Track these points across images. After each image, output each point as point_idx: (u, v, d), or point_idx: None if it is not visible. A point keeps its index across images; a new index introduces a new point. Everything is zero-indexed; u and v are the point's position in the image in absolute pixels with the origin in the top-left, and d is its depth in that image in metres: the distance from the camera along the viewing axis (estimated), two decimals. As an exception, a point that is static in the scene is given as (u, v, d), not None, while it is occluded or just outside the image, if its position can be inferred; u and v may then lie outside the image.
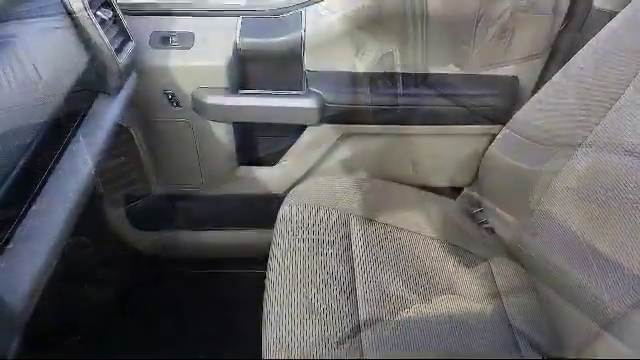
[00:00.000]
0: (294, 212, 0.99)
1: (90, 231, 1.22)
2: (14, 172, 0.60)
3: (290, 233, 0.95)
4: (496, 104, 1.05)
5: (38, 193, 0.65)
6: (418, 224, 1.04)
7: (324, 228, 0.97)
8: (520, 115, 0.94)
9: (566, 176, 0.83)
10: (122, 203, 1.27)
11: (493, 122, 1.05)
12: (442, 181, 1.20)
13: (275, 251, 0.92)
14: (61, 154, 0.73)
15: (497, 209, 1.05)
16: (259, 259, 0.99)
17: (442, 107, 1.04)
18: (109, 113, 0.85)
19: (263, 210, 1.15)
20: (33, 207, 0.63)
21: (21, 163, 0.62)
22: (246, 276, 1.32)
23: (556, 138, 0.86)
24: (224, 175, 1.21)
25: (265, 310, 0.82)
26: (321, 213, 0.99)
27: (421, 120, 1.06)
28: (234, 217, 1.30)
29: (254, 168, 1.21)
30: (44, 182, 0.66)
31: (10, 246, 0.56)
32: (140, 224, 1.30)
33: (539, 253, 0.87)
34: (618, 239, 0.70)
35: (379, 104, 1.04)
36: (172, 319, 1.28)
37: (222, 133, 1.12)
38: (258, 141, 1.19)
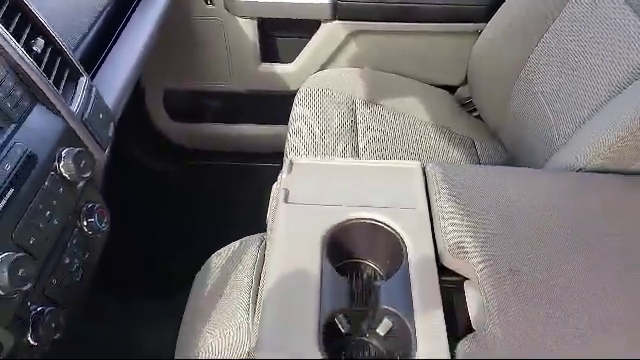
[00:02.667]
0: (308, 93, 1.18)
1: (133, 120, 1.43)
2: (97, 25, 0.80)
3: (304, 116, 1.14)
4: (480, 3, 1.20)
5: (114, 43, 0.84)
6: (416, 109, 1.22)
7: (333, 108, 1.16)
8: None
9: (539, 56, 1.00)
10: (161, 96, 1.47)
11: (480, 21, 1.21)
12: (440, 79, 1.37)
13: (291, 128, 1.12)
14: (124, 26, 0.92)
15: (484, 103, 1.22)
16: (276, 153, 1.18)
17: (433, 5, 1.20)
18: (154, 9, 1.02)
19: (281, 107, 1.34)
20: (110, 54, 0.83)
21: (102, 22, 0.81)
22: (264, 169, 1.52)
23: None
24: (249, 71, 1.39)
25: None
26: (331, 95, 1.18)
27: (420, 17, 1.22)
28: (256, 113, 1.50)
29: (274, 65, 1.39)
30: (117, 37, 0.86)
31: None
32: (175, 116, 1.51)
33: (515, 135, 1.05)
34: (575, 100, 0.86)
35: (386, 1, 1.20)
36: (194, 205, 1.48)
37: (249, 32, 1.30)
38: (278, 39, 1.37)
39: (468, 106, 1.33)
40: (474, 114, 1.30)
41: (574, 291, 0.57)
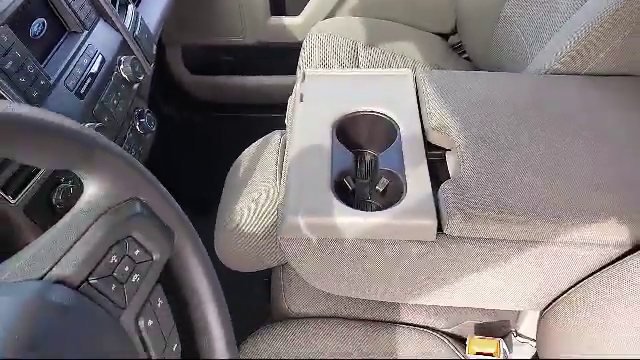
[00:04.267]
0: (314, 40, 1.32)
1: (157, 75, 1.58)
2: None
3: (311, 60, 1.28)
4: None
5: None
6: (412, 52, 1.36)
7: (336, 52, 1.30)
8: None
9: None
10: (179, 51, 1.62)
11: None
12: (434, 27, 1.50)
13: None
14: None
15: (471, 45, 1.36)
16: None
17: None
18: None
19: (291, 58, 1.48)
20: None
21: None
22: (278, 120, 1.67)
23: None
24: (260, 24, 1.53)
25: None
26: (334, 41, 1.32)
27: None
28: (269, 64, 1.64)
29: (283, 17, 1.53)
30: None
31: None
32: (193, 70, 1.66)
33: (495, 63, 1.19)
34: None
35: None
36: (214, 152, 1.63)
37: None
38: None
39: (458, 50, 1.47)
40: (464, 56, 1.44)
41: (539, 150, 0.71)
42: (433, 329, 0.79)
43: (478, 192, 0.66)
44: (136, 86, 0.79)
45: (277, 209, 0.73)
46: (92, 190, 0.37)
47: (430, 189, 0.68)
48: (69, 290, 0.33)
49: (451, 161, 0.73)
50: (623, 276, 0.63)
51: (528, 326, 0.79)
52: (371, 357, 0.74)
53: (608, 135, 0.74)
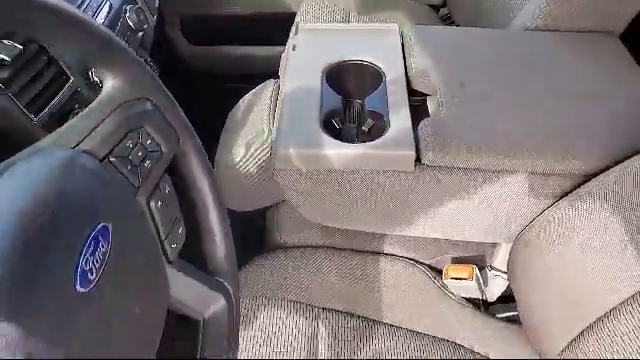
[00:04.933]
0: (308, 10, 1.38)
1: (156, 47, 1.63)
2: None
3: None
4: None
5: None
6: (402, 21, 1.42)
7: (329, 21, 1.36)
8: None
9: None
10: (178, 22, 1.67)
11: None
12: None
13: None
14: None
15: (458, 15, 1.41)
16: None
17: None
18: None
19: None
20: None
21: None
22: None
23: None
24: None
25: None
26: (327, 10, 1.38)
27: None
28: (268, 34, 1.69)
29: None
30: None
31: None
32: (192, 40, 1.71)
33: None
34: None
35: None
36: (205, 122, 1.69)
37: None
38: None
39: (448, 21, 1.53)
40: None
41: (511, 97, 0.78)
42: (415, 260, 0.85)
43: (454, 127, 0.72)
44: (140, 34, 0.85)
45: (271, 146, 0.79)
46: (110, 85, 0.44)
47: (410, 125, 0.75)
48: (95, 160, 0.40)
49: (431, 105, 0.80)
50: (578, 205, 0.69)
51: (501, 260, 0.86)
52: (359, 282, 0.81)
53: (572, 86, 0.81)
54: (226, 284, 0.52)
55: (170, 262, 0.46)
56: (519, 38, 0.91)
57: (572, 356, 0.69)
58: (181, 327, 0.51)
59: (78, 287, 0.33)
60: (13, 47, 0.58)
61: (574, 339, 0.69)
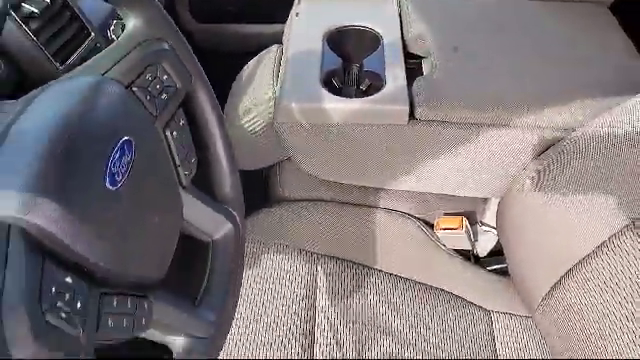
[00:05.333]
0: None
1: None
2: None
3: None
4: None
5: None
6: None
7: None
8: None
9: None
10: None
11: None
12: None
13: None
14: None
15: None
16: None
17: None
18: None
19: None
20: None
21: None
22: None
23: None
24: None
25: None
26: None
27: None
28: (269, 12, 1.74)
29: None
30: None
31: None
32: (199, 18, 1.76)
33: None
34: None
35: None
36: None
37: None
38: None
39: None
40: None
41: (502, 59, 0.83)
42: (409, 215, 0.91)
43: (445, 85, 0.77)
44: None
45: (274, 105, 0.85)
46: (132, 24, 0.49)
47: (405, 84, 0.80)
48: (121, 87, 0.45)
49: (426, 67, 0.85)
50: (560, 158, 0.74)
51: (491, 216, 0.91)
52: (356, 233, 0.87)
53: (561, 51, 0.86)
54: (233, 212, 0.57)
55: (184, 187, 0.52)
56: (513, 6, 0.96)
57: (554, 301, 0.75)
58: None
59: (107, 184, 0.39)
60: (42, 0, 0.63)
61: (555, 284, 0.74)
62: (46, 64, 0.63)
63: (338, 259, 0.83)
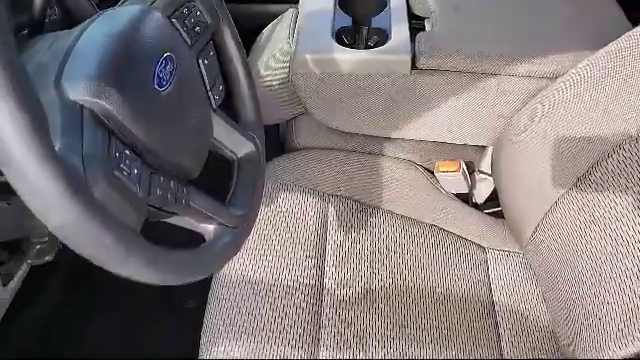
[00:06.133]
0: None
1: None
2: None
3: None
4: None
5: None
6: None
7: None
8: None
9: None
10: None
11: None
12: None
13: None
14: None
15: None
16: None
17: None
18: None
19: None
20: None
21: None
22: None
23: None
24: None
25: None
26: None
27: None
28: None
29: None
30: None
31: None
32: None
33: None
34: None
35: None
36: None
37: None
38: None
39: None
40: None
41: (500, 20, 0.91)
42: (412, 162, 0.99)
43: (445, 38, 0.86)
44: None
45: (291, 58, 0.93)
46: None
47: (409, 37, 0.88)
48: (164, 15, 0.54)
49: (428, 24, 0.93)
50: (545, 102, 0.82)
51: (488, 164, 0.99)
52: (363, 177, 0.95)
53: (552, 9, 0.93)
54: (254, 136, 0.67)
55: (214, 110, 0.61)
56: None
57: (540, 236, 0.83)
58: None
59: (156, 85, 0.48)
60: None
61: (540, 221, 0.82)
62: (91, 10, 0.73)
63: (347, 199, 0.92)
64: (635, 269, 0.64)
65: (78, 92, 0.42)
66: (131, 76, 0.46)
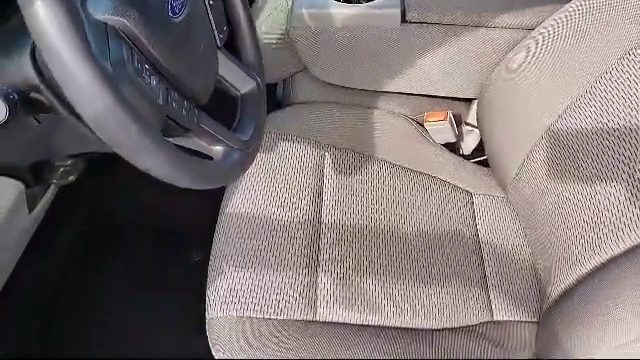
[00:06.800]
0: None
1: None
2: None
3: None
4: None
5: None
6: None
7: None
8: None
9: None
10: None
11: None
12: None
13: None
14: None
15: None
16: None
17: None
18: None
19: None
20: None
21: None
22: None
23: None
24: None
25: None
26: None
27: None
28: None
29: None
30: None
31: None
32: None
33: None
34: None
35: None
36: None
37: None
38: None
39: None
40: None
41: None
42: (403, 115, 1.06)
43: (433, -6, 0.92)
44: None
45: (287, 15, 0.99)
46: None
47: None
48: None
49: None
50: (528, 51, 0.88)
51: (474, 117, 1.06)
52: (357, 128, 1.02)
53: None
54: (256, 75, 0.73)
55: (218, 47, 0.68)
56: None
57: (523, 175, 0.89)
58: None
59: (170, 13, 0.54)
60: None
61: (521, 165, 0.89)
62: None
63: (343, 148, 0.98)
64: (591, 201, 0.72)
65: (102, 11, 0.49)
66: (148, 0, 0.52)
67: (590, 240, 0.71)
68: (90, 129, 0.44)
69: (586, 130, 0.78)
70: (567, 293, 0.74)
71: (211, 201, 0.94)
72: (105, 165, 0.90)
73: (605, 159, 0.73)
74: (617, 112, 0.73)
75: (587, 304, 0.67)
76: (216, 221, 0.91)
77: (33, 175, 0.66)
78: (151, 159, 0.47)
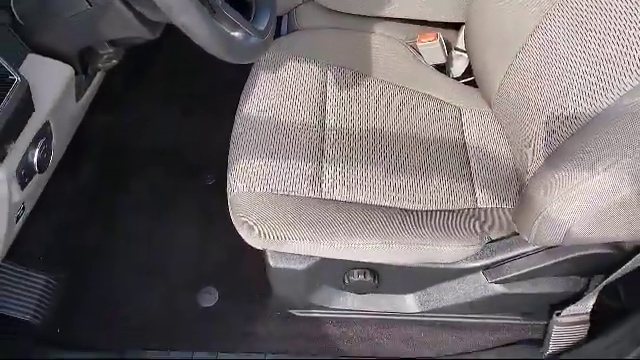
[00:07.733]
0: None
1: None
2: None
3: None
4: None
5: None
6: None
7: None
8: None
9: None
10: None
11: None
12: None
13: None
14: None
15: None
16: None
17: None
18: None
19: None
20: None
21: None
22: None
23: None
24: None
25: None
26: None
27: None
28: None
29: None
30: None
31: None
32: None
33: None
34: None
35: None
36: None
37: None
38: None
39: None
40: None
41: None
42: (399, 39, 1.16)
43: None
44: None
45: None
46: None
47: None
48: None
49: None
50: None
51: (462, 42, 1.16)
52: (357, 48, 1.12)
53: None
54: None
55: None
56: None
57: (505, 86, 1.00)
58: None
59: None
60: None
61: (506, 72, 0.99)
62: None
63: (344, 67, 1.09)
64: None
65: None
66: None
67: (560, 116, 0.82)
68: (134, 14, 0.55)
69: (556, 38, 0.89)
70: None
71: (224, 131, 1.04)
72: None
73: (572, 59, 0.84)
74: (586, 22, 0.83)
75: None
76: (228, 149, 1.00)
77: (81, 62, 0.76)
78: (187, 16, 0.57)
